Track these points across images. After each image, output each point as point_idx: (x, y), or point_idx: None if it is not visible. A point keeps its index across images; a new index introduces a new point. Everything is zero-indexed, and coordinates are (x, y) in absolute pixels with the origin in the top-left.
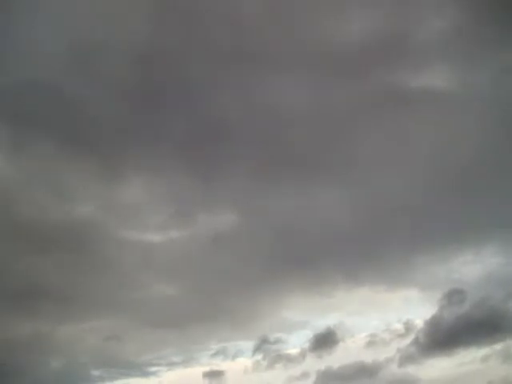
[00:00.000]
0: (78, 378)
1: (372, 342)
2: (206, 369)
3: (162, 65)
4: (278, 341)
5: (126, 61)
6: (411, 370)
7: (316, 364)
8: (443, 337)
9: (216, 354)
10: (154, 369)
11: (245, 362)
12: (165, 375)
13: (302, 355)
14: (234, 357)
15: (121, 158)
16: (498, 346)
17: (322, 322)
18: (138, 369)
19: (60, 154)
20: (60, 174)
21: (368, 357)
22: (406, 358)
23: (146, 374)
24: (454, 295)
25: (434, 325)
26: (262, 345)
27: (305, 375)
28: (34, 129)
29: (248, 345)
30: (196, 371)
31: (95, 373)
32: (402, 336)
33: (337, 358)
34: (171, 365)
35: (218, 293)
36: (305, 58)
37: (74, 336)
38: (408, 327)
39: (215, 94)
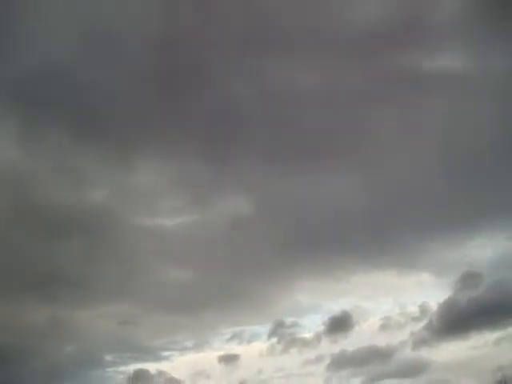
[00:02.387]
0: (91, 363)
1: (386, 326)
2: (221, 353)
3: (175, 51)
4: (292, 325)
5: (138, 47)
6: (424, 353)
7: (330, 347)
8: (457, 320)
9: (231, 339)
10: (166, 353)
11: (260, 346)
12: (178, 360)
13: (317, 339)
14: (249, 341)
15: (134, 144)
16: (511, 330)
17: (336, 306)
18: (150, 353)
19: (73, 140)
20: (73, 160)
21: (382, 340)
22: (420, 342)
23: (158, 359)
24: (468, 279)
25: (447, 308)
26: (277, 329)
27: (319, 359)
28: (47, 115)
29: (263, 329)
30: (210, 355)
31: (108, 357)
32: (416, 319)
33: (351, 342)
34: (184, 349)
35: (232, 277)
36: (318, 43)
37: (89, 321)
38: (423, 310)
39: (229, 79)
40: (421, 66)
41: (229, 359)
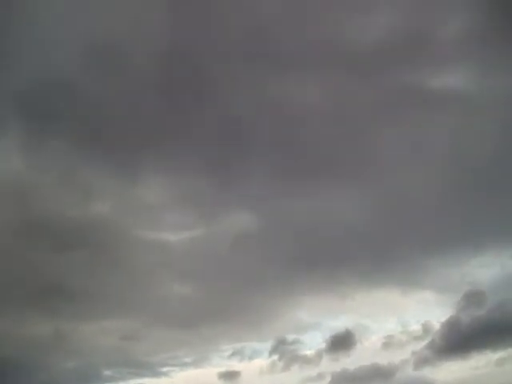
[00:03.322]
0: (90, 378)
1: (388, 344)
2: (221, 369)
3: (179, 65)
4: (294, 342)
5: (143, 61)
6: (426, 372)
7: (332, 365)
8: (459, 339)
9: (232, 355)
10: (166, 369)
11: (261, 362)
12: (177, 376)
13: (318, 356)
14: (250, 358)
15: (140, 158)
16: None
17: (338, 324)
18: (150, 369)
19: (78, 152)
20: (78, 172)
21: (384, 359)
22: (422, 361)
23: (157, 374)
24: (470, 298)
25: (450, 327)
26: (279, 346)
27: (320, 376)
28: (53, 127)
29: (264, 346)
30: (210, 372)
31: (107, 372)
32: (418, 338)
33: (352, 360)
34: (184, 365)
35: (233, 293)
36: (322, 58)
37: (90, 335)
38: (426, 329)
39: (234, 96)
40: (425, 84)
41: (229, 376)
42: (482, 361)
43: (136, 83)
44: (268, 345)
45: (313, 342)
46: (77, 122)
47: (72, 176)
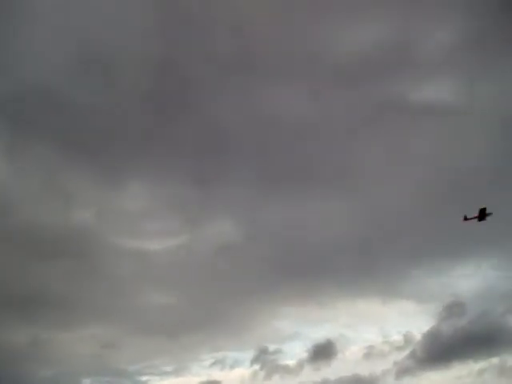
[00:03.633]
0: None
1: (369, 354)
2: (202, 378)
3: (166, 76)
4: (275, 352)
5: (131, 71)
6: (408, 382)
7: (313, 375)
8: (440, 350)
9: (213, 364)
10: (145, 378)
11: (242, 372)
12: None
13: (300, 366)
14: (231, 367)
15: (122, 166)
16: (494, 360)
17: (320, 334)
18: (129, 377)
19: (61, 159)
20: (61, 179)
21: (365, 369)
22: (403, 371)
23: (136, 383)
24: (451, 308)
25: (431, 338)
26: (260, 355)
27: None
28: (36, 133)
29: (245, 355)
30: (190, 381)
31: (86, 381)
32: (399, 348)
33: (334, 370)
34: (163, 374)
35: (215, 303)
36: (307, 69)
37: (69, 343)
38: (407, 339)
39: (220, 104)
40: (409, 95)
41: None
42: (463, 371)
43: (123, 92)
44: (249, 354)
45: (294, 351)
46: (62, 130)
47: (55, 183)
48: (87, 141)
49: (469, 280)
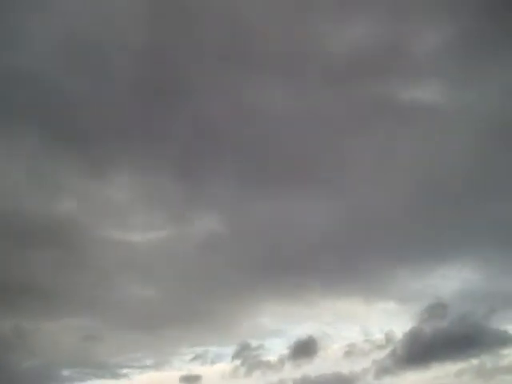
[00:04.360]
0: (48, 378)
1: (350, 353)
2: (183, 373)
3: (154, 65)
4: (257, 347)
5: (121, 60)
6: (386, 381)
7: (293, 372)
8: (420, 350)
9: (194, 359)
10: (125, 371)
11: (223, 367)
12: (136, 378)
13: (281, 363)
14: (213, 362)
15: (110, 156)
16: (473, 362)
17: (301, 331)
18: (109, 370)
19: (47, 147)
20: (45, 167)
21: (345, 367)
22: (383, 370)
23: (116, 376)
24: (433, 309)
25: (411, 338)
26: (242, 351)
27: (282, 383)
28: (22, 120)
29: (227, 350)
30: (171, 375)
31: (65, 373)
32: (381, 347)
33: (314, 367)
34: (144, 367)
35: (198, 297)
36: (298, 65)
37: (51, 334)
38: (388, 338)
39: (209, 98)
40: (396, 96)
41: (190, 379)
42: (441, 371)
43: (110, 82)
44: (231, 350)
45: (276, 348)
46: (48, 118)
47: (40, 172)
48: (75, 130)
49: (451, 282)
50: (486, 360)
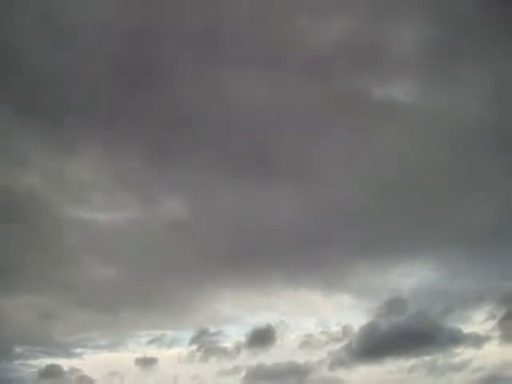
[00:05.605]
0: None
1: (306, 343)
2: (139, 355)
3: (131, 49)
4: (215, 334)
5: (97, 40)
6: (340, 373)
7: (249, 360)
8: (375, 344)
9: (151, 342)
10: (79, 350)
11: (179, 351)
12: (90, 358)
13: (237, 349)
14: (169, 346)
15: (77, 133)
16: (426, 359)
17: (260, 320)
18: (62, 349)
19: (14, 120)
20: (11, 141)
21: (301, 357)
22: (337, 362)
23: (69, 355)
24: (391, 305)
25: (367, 332)
26: (200, 336)
27: (236, 370)
28: None
29: (184, 335)
30: (126, 356)
31: (18, 349)
32: (337, 340)
33: (270, 356)
34: (98, 348)
35: (158, 280)
36: (275, 57)
37: (6, 310)
38: (345, 331)
39: (183, 82)
40: (371, 92)
41: (146, 362)
42: (394, 366)
43: (85, 60)
44: (188, 334)
45: (233, 335)
46: (17, 90)
47: (5, 145)
48: (46, 106)
49: (410, 279)
50: (438, 357)
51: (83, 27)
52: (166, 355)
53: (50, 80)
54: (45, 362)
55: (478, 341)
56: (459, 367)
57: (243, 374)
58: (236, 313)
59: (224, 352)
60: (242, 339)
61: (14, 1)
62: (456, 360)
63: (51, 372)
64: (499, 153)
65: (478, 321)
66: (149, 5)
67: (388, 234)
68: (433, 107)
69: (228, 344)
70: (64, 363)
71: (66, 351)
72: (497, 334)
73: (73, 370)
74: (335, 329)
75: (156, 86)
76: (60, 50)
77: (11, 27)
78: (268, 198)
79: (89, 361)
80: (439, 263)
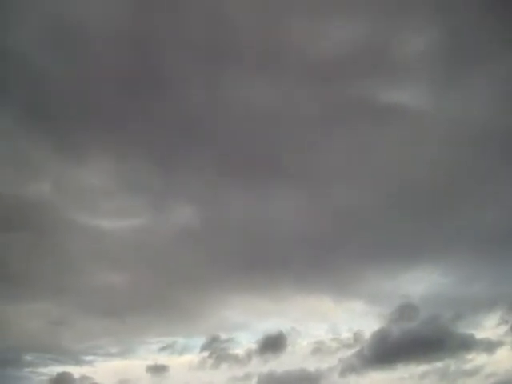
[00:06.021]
0: (8, 361)
1: (317, 350)
2: (150, 363)
3: (138, 53)
4: (226, 340)
5: (102, 46)
6: (352, 380)
7: (260, 367)
8: (386, 350)
9: (162, 349)
10: (89, 358)
11: (190, 358)
12: (100, 366)
13: (248, 357)
14: (180, 353)
15: (86, 140)
16: (438, 365)
17: (270, 326)
18: (73, 357)
19: (23, 127)
20: (20, 148)
21: (312, 364)
22: (348, 369)
23: (80, 363)
24: (402, 311)
25: (379, 338)
26: (211, 343)
27: (247, 377)
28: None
29: (195, 342)
30: (138, 364)
31: (28, 357)
32: (348, 346)
33: (281, 363)
34: (109, 355)
35: (168, 287)
36: (281, 62)
37: (16, 317)
38: (357, 338)
39: (190, 88)
40: (378, 98)
41: (157, 370)
42: (406, 373)
43: (91, 65)
44: (199, 341)
45: (244, 342)
46: (25, 96)
47: (14, 152)
48: (51, 110)
49: (421, 285)
50: (450, 363)
51: (89, 32)
52: (177, 362)
53: (60, 86)
54: (55, 369)
55: (490, 346)
56: (471, 373)
57: (254, 380)
58: (247, 319)
59: (235, 359)
60: (253, 346)
61: (17, 3)
62: (468, 366)
63: (62, 380)
64: (508, 157)
65: (490, 326)
66: (151, 9)
67: (399, 240)
68: (439, 111)
69: (239, 351)
70: (75, 371)
71: (76, 359)
72: (509, 339)
73: (84, 378)
74: (346, 335)
75: (161, 92)
76: (67, 59)
77: (17, 35)
78: (278, 204)
79: (100, 368)
80: (450, 268)
